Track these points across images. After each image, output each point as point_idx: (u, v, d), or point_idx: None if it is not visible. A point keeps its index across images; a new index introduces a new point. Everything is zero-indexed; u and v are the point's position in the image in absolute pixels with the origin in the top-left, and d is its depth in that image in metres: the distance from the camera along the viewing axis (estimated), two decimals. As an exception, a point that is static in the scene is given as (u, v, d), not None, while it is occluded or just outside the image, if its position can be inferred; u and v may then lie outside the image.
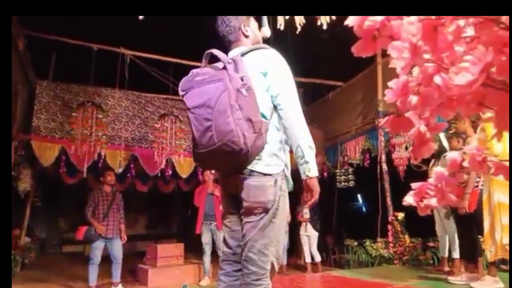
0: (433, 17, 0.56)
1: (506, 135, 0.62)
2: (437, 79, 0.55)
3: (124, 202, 5.16)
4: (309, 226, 6.48)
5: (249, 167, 1.58)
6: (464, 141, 3.64)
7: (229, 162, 1.57)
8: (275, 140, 1.64)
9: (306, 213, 6.47)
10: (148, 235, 11.61)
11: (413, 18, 0.58)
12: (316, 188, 1.64)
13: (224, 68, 1.55)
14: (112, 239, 4.77)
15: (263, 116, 1.61)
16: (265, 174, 1.59)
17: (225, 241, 1.79)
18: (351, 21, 0.59)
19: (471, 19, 0.54)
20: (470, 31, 0.59)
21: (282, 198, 1.64)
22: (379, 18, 0.56)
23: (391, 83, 0.64)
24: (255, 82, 1.59)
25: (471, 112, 0.63)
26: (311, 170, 1.62)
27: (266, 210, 1.60)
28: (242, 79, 1.51)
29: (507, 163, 0.70)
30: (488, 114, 0.64)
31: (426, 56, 0.55)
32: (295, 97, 1.67)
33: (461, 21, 0.55)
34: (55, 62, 6.35)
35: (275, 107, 1.66)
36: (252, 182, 1.59)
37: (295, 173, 1.69)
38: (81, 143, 5.51)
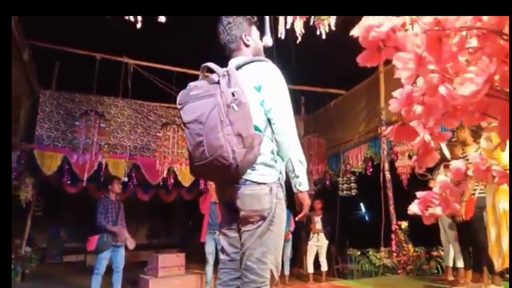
0: (437, 27, 0.57)
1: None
2: (442, 90, 0.55)
3: (125, 211, 5.16)
4: (322, 235, 6.48)
5: (244, 176, 1.61)
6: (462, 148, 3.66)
7: (222, 175, 1.62)
8: (268, 151, 1.66)
9: (318, 222, 6.47)
10: (149, 244, 11.56)
11: (416, 28, 0.59)
12: (306, 202, 1.69)
13: (218, 82, 1.58)
14: (119, 248, 4.77)
15: (257, 128, 1.63)
16: (259, 183, 1.62)
17: (222, 249, 1.80)
18: (356, 32, 0.60)
19: (475, 31, 0.55)
20: (473, 42, 0.60)
21: (279, 206, 1.66)
22: (384, 29, 0.57)
23: (395, 93, 0.65)
24: (249, 95, 1.62)
25: (475, 121, 0.64)
26: (301, 184, 1.66)
27: (263, 218, 1.62)
28: (233, 94, 1.54)
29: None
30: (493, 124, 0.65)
31: (431, 66, 0.56)
32: (288, 111, 1.70)
33: (464, 32, 0.57)
34: (58, 72, 6.41)
35: (268, 120, 1.69)
36: (246, 191, 1.62)
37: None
38: (83, 152, 5.52)
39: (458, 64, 0.61)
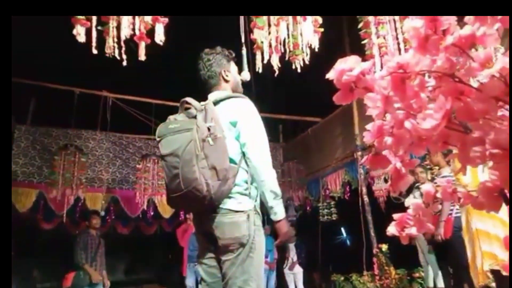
0: (400, 70, 0.66)
1: (474, 169, 0.71)
2: (407, 124, 0.64)
3: (104, 246, 5.01)
4: (295, 262, 6.41)
5: (221, 205, 1.65)
6: (433, 173, 3.84)
7: (197, 206, 1.68)
8: (242, 181, 1.73)
9: (292, 249, 6.42)
10: (127, 281, 11.08)
11: (384, 72, 0.68)
12: (283, 230, 1.74)
13: (195, 116, 1.66)
14: (96, 286, 4.59)
15: (232, 161, 1.70)
16: (237, 211, 1.67)
17: (201, 279, 1.81)
18: (331, 75, 0.69)
19: (433, 74, 0.65)
20: (432, 82, 0.69)
21: (258, 233, 1.71)
22: (354, 72, 0.66)
23: (368, 126, 0.74)
24: (225, 129, 1.70)
25: (439, 149, 0.72)
26: (277, 213, 1.72)
27: (242, 245, 1.65)
28: (209, 129, 1.62)
29: (474, 193, 0.79)
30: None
31: (397, 104, 0.65)
32: (262, 146, 1.77)
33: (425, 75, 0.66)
34: (34, 106, 6.31)
35: (243, 153, 1.76)
36: (225, 220, 1.66)
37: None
38: (63, 186, 5.38)
39: (421, 100, 0.70)
